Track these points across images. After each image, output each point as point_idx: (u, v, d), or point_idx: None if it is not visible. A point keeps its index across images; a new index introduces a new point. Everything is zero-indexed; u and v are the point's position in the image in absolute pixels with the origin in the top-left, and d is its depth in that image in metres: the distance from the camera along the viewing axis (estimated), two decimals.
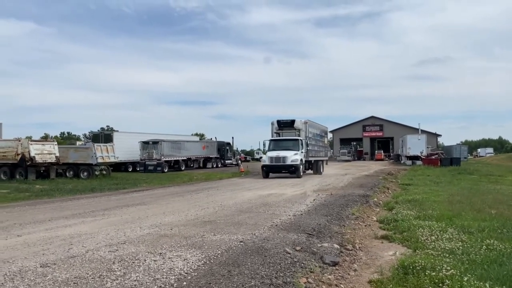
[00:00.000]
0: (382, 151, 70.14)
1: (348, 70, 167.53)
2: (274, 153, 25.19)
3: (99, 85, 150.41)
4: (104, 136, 37.21)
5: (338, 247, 6.92)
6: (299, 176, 24.33)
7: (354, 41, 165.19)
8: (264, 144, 27.99)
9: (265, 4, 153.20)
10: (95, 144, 29.44)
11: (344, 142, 77.21)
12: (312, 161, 28.81)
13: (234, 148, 54.81)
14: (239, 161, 46.79)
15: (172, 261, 5.55)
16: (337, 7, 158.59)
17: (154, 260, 5.59)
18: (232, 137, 61.77)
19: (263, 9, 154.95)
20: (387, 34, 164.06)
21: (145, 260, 5.59)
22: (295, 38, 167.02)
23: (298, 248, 6.48)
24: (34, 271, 5.17)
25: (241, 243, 6.63)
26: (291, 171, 24.79)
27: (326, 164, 34.31)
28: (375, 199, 13.93)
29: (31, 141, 27.19)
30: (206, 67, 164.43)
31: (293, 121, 27.20)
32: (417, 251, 6.68)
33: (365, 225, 9.55)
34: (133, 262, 5.50)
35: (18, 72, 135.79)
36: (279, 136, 27.55)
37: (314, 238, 7.32)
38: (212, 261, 5.61)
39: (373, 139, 77.62)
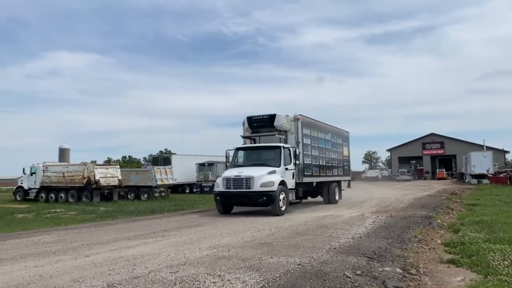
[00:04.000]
0: (444, 170, 66.94)
1: (403, 87, 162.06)
2: (233, 172, 15.46)
3: (157, 110, 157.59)
4: (163, 159, 38.71)
5: (401, 271, 6.61)
6: (276, 212, 14.64)
7: (408, 57, 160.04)
8: (226, 157, 17.21)
9: (315, 25, 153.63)
10: (155, 167, 30.64)
11: (403, 161, 74.78)
12: (314, 183, 18.71)
13: None
14: None
15: (231, 283, 5.57)
16: (389, 23, 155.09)
17: (214, 282, 5.65)
18: None
19: (313, 30, 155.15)
20: (444, 49, 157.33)
21: (204, 282, 5.67)
22: (348, 56, 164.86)
23: (358, 272, 6.28)
24: None
25: (299, 266, 6.53)
26: (261, 202, 14.69)
27: (348, 186, 23.93)
28: (439, 221, 13.23)
29: (96, 165, 28.85)
30: (258, 89, 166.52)
31: (272, 117, 16.73)
32: (488, 277, 6.23)
33: (429, 248, 9.07)
34: (193, 284, 5.59)
35: (83, 100, 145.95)
36: (254, 143, 17.51)
37: (375, 262, 7.06)
38: (270, 284, 5.57)
39: (433, 157, 74.40)
